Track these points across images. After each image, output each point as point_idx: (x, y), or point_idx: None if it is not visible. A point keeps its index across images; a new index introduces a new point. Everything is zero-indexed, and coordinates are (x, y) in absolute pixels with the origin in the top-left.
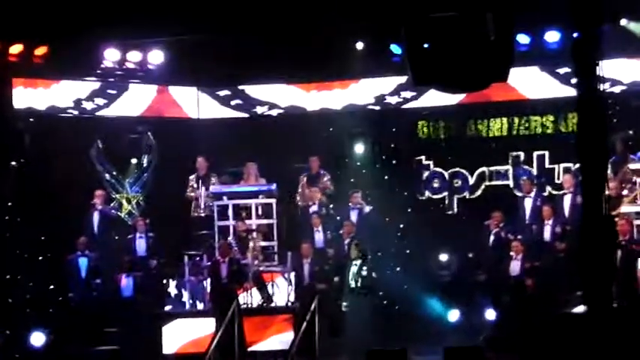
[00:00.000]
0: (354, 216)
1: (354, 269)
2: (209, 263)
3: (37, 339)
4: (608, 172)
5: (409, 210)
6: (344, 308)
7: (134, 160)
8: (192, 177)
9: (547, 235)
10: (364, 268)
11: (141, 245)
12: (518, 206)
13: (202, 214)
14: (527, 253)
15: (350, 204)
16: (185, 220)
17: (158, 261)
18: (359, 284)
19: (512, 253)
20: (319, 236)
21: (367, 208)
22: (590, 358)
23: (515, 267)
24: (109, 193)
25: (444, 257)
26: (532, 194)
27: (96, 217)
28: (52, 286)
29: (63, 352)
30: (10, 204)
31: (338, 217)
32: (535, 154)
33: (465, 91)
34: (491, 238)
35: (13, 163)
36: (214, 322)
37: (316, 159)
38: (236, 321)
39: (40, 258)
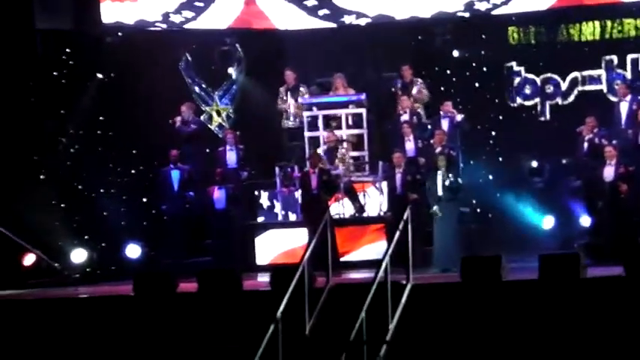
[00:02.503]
0: (445, 124)
1: (440, 178)
2: (300, 174)
3: (132, 251)
4: None
5: (500, 117)
6: (434, 216)
7: (230, 70)
8: (282, 89)
9: None
10: (450, 175)
11: (231, 158)
12: (612, 111)
13: (292, 125)
14: (622, 158)
15: (441, 112)
16: (275, 131)
17: (249, 172)
18: (446, 192)
19: (606, 158)
20: (410, 145)
21: (459, 117)
22: None
23: (609, 172)
24: (198, 106)
25: (536, 164)
26: (627, 98)
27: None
28: (145, 199)
29: (157, 263)
30: (101, 118)
31: (429, 126)
32: (629, 57)
33: None
34: (585, 144)
35: (100, 75)
36: (307, 232)
37: (408, 67)
38: (328, 231)
39: (133, 171)
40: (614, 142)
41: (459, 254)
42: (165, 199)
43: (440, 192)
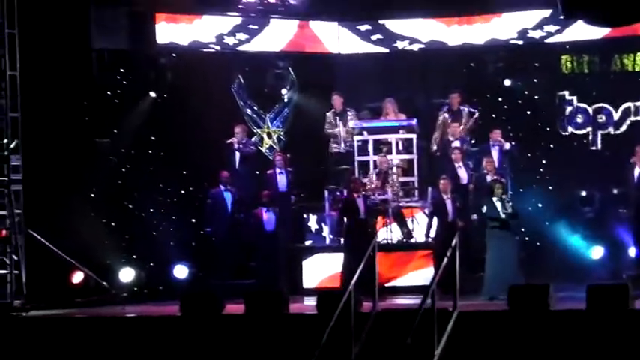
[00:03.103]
0: (494, 153)
1: (499, 204)
2: (343, 199)
3: (180, 271)
4: None
5: (551, 146)
6: (487, 244)
7: (284, 91)
8: (329, 114)
9: None
10: (508, 204)
11: (282, 181)
12: None
13: (342, 150)
14: None
15: (490, 140)
16: (325, 155)
17: (298, 196)
18: (507, 218)
19: None
20: (462, 172)
21: (507, 145)
22: None
23: None
24: (249, 128)
25: (585, 193)
26: None
27: (237, 153)
28: (194, 220)
29: (205, 284)
30: (153, 138)
31: (478, 154)
32: None
33: (614, 26)
34: (636, 175)
35: (153, 94)
36: (350, 257)
37: (457, 95)
38: (375, 256)
39: (183, 192)
40: None
41: (509, 283)
42: (215, 221)
43: (500, 217)
